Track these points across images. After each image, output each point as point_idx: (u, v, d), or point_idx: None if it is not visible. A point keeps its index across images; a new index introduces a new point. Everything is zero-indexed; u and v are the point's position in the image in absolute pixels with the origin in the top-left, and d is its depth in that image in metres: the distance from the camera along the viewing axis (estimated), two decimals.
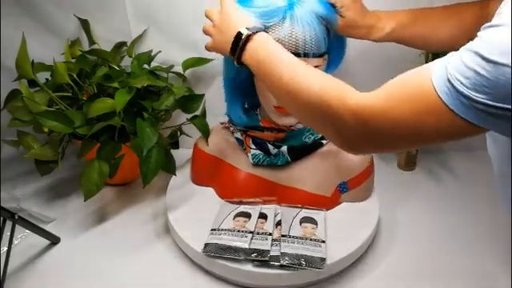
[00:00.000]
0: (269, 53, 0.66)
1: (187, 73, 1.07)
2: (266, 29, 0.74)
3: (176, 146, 1.07)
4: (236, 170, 0.95)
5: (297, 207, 0.91)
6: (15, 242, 0.92)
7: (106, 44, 1.07)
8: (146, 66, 1.06)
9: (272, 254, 0.80)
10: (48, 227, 0.95)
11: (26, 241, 0.93)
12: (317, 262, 0.79)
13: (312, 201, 0.91)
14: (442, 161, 1.18)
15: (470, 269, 0.86)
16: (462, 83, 0.44)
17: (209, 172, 0.97)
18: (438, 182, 1.10)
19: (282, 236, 0.84)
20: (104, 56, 1.04)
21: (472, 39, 0.46)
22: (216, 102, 1.03)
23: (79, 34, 1.09)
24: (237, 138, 0.95)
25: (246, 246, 0.81)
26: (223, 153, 0.96)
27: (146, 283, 0.85)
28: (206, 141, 0.97)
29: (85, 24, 1.06)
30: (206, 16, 0.76)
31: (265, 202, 0.92)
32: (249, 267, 0.80)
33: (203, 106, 0.99)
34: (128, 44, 1.09)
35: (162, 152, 0.90)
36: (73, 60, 1.02)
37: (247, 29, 0.68)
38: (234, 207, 0.91)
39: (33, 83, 0.95)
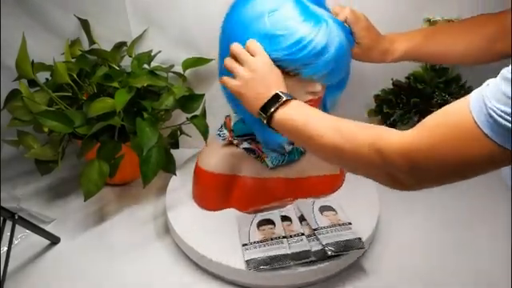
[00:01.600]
0: (307, 118, 0.65)
1: (187, 73, 1.07)
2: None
3: (176, 145, 1.07)
4: (253, 180, 0.92)
5: (309, 199, 0.93)
6: (15, 242, 0.92)
7: (106, 44, 1.07)
8: (145, 65, 1.06)
9: (314, 249, 0.81)
10: (48, 227, 0.95)
11: (25, 241, 0.93)
12: (357, 243, 0.82)
13: (328, 183, 0.95)
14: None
15: (470, 268, 0.86)
16: (504, 112, 0.44)
17: (225, 193, 0.92)
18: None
19: (315, 230, 0.85)
20: (104, 56, 1.04)
21: (492, 51, 0.45)
22: (216, 101, 1.03)
23: (79, 34, 1.09)
24: (245, 149, 0.91)
25: (289, 252, 0.81)
26: (235, 168, 0.91)
27: (146, 283, 0.85)
28: (205, 141, 0.96)
29: (85, 24, 1.06)
30: (233, 51, 0.72)
31: (282, 204, 0.92)
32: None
33: (203, 105, 0.99)
34: (128, 44, 1.08)
35: (161, 152, 0.90)
36: (73, 60, 1.02)
37: (282, 93, 0.67)
38: (251, 217, 0.90)
39: (33, 83, 0.95)
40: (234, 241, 0.86)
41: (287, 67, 0.72)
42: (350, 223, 0.86)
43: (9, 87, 0.97)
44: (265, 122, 0.69)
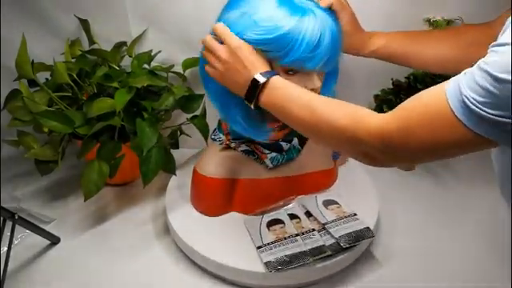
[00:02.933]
0: (287, 98, 0.66)
1: (187, 73, 1.07)
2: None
3: (176, 145, 1.07)
4: (254, 182, 0.92)
5: (311, 194, 0.94)
6: (15, 242, 0.92)
7: (106, 44, 1.07)
8: (146, 65, 1.06)
9: (328, 243, 0.82)
10: (48, 227, 0.95)
11: (25, 241, 0.93)
12: (367, 233, 0.84)
13: (325, 177, 0.97)
14: (442, 160, 1.18)
15: (470, 269, 0.86)
16: (476, 100, 0.46)
17: (226, 198, 0.92)
18: (437, 182, 1.10)
19: (324, 224, 0.86)
20: (104, 56, 1.04)
21: (466, 59, 0.48)
22: None
23: (79, 34, 1.09)
24: (243, 151, 0.90)
25: (305, 249, 0.81)
26: (234, 171, 0.90)
27: (146, 283, 0.85)
28: (206, 140, 0.96)
29: (85, 24, 1.06)
30: (205, 43, 0.73)
31: (285, 202, 0.93)
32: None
33: (203, 105, 0.99)
34: (128, 44, 1.09)
35: (161, 152, 0.90)
36: (73, 60, 1.02)
37: (261, 74, 0.67)
38: (258, 219, 0.90)
39: (33, 83, 0.95)
40: (234, 240, 0.86)
41: (287, 66, 0.72)
42: (355, 214, 0.88)
43: (9, 87, 0.97)
44: (253, 108, 0.70)
